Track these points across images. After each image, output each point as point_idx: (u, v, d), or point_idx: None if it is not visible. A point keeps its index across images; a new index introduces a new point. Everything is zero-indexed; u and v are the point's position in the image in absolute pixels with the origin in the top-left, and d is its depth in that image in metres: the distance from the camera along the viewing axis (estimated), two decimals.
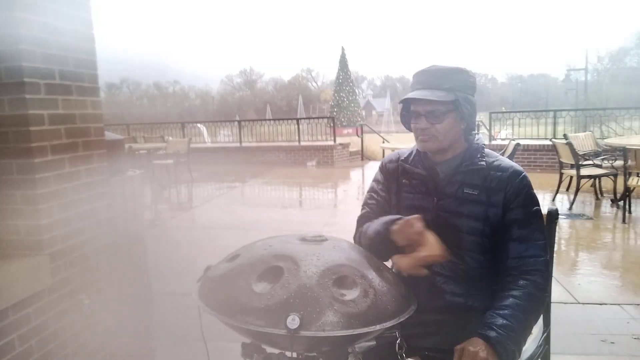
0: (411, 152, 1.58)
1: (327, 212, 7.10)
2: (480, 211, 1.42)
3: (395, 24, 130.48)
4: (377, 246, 1.38)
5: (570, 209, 6.27)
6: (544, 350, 1.71)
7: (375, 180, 1.66)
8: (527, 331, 1.35)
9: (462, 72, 1.44)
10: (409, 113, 1.50)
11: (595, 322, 3.08)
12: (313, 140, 13.82)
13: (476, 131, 1.53)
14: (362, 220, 1.60)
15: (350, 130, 22.68)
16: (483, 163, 1.45)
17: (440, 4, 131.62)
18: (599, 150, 7.16)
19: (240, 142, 13.84)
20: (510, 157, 6.66)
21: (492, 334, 1.24)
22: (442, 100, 1.39)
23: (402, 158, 1.59)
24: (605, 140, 7.92)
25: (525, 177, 1.45)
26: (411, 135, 1.52)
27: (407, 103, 1.49)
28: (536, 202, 1.45)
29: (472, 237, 1.43)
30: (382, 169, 1.65)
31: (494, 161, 1.47)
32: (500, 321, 1.27)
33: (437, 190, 1.49)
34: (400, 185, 1.57)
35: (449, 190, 1.47)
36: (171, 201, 8.52)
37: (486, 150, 1.51)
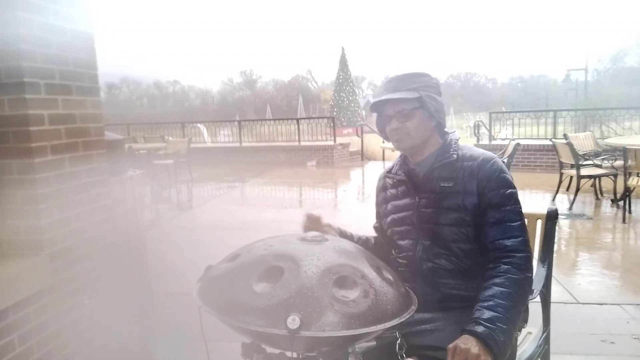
0: (395, 163, 1.70)
1: (328, 212, 7.09)
2: (458, 201, 1.48)
3: (395, 24, 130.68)
4: None
5: (570, 209, 6.27)
6: (544, 350, 1.71)
7: (375, 203, 1.77)
8: (517, 317, 1.35)
9: (424, 75, 1.54)
10: (382, 119, 1.58)
11: (595, 322, 3.08)
12: (313, 140, 13.82)
13: (454, 130, 1.64)
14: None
15: (350, 130, 22.67)
16: (455, 155, 1.53)
17: (441, 5, 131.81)
18: (599, 150, 7.16)
19: (240, 142, 13.85)
20: (511, 157, 6.67)
21: (480, 328, 1.26)
22: (406, 97, 1.48)
23: (387, 171, 1.72)
24: (605, 140, 7.91)
25: (495, 162, 1.51)
26: None
27: (379, 111, 1.58)
28: (510, 185, 1.49)
29: (455, 228, 1.49)
30: (376, 189, 1.76)
31: (465, 152, 1.55)
32: (487, 314, 1.29)
33: (418, 189, 1.57)
34: (388, 196, 1.67)
35: (428, 186, 1.55)
36: (171, 201, 8.52)
37: (460, 144, 1.58)
